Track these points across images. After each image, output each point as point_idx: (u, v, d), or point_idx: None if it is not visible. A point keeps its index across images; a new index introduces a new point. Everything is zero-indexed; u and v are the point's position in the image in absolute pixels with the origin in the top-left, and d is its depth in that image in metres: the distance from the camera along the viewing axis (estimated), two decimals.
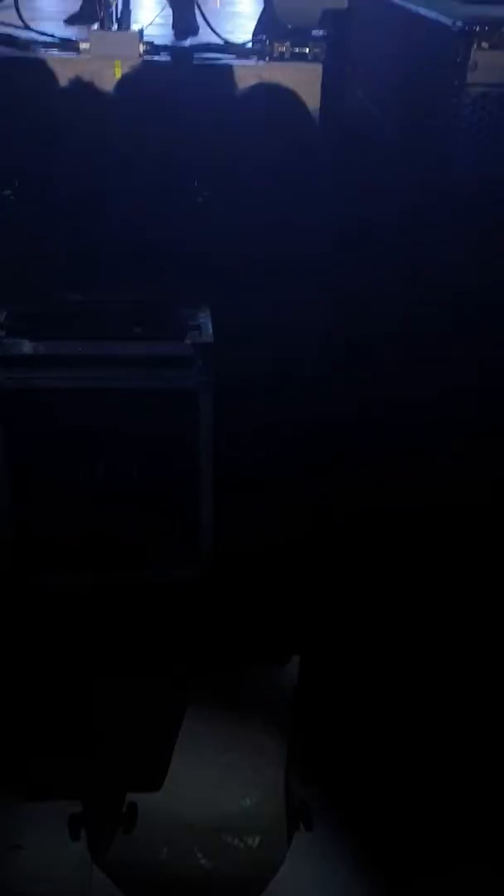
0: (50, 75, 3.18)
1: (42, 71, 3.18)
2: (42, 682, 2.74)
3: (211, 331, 2.84)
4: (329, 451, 3.06)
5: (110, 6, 3.56)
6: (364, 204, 3.02)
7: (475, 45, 2.86)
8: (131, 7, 3.89)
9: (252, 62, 3.37)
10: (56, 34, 3.52)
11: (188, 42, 3.82)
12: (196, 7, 3.89)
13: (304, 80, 3.17)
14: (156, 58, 3.37)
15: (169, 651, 2.80)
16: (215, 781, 2.60)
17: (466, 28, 2.91)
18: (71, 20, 4.17)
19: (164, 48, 3.46)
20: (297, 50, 3.29)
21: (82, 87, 3.16)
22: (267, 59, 3.35)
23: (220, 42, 3.59)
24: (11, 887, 2.35)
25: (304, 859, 2.41)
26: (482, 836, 2.43)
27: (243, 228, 3.09)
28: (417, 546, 2.96)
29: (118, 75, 3.18)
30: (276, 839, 2.47)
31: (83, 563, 3.02)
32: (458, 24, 2.95)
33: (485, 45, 2.86)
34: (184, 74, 3.28)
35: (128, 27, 3.73)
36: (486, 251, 2.81)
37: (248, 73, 3.23)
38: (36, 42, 3.43)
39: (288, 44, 3.30)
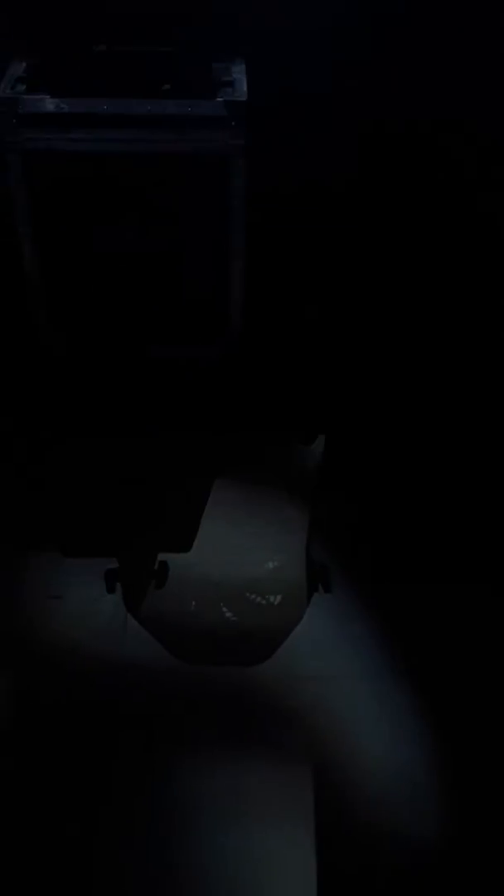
0: None
1: None
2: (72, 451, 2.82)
3: (245, 88, 2.61)
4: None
5: None
6: None
7: None
8: None
9: None
10: None
11: None
12: None
13: None
14: None
15: (197, 427, 2.86)
16: (242, 546, 2.75)
17: None
18: None
19: None
20: None
21: None
22: None
23: None
24: (53, 631, 2.58)
25: (321, 617, 2.59)
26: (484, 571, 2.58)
27: None
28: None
29: None
30: (297, 599, 2.65)
31: (111, 337, 3.00)
32: None
33: None
34: None
35: None
36: None
37: None
38: None
39: None
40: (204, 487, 2.76)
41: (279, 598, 2.67)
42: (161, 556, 2.70)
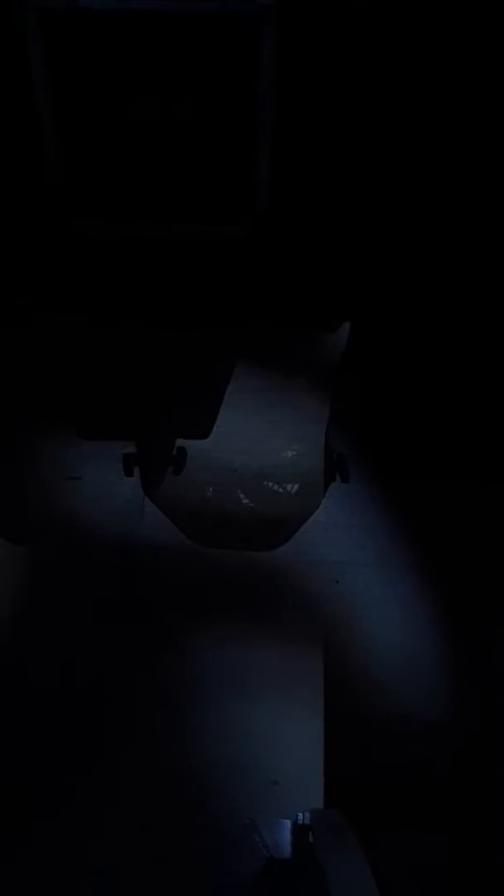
0: None
1: None
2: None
3: None
4: None
5: None
6: None
7: None
8: None
9: None
10: None
11: None
12: None
13: None
14: None
15: (221, 309, 2.79)
16: (260, 434, 2.75)
17: None
18: None
19: None
20: None
21: None
22: None
23: None
24: (72, 510, 2.62)
25: (337, 506, 2.61)
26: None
27: None
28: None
29: None
30: (313, 488, 2.66)
31: (132, 213, 2.89)
32: None
33: None
34: None
35: None
36: None
37: None
38: None
39: None
40: (225, 376, 2.73)
41: (296, 486, 2.69)
42: (179, 442, 2.70)
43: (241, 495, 2.67)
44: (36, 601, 2.44)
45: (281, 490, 2.69)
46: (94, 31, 2.53)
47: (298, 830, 1.85)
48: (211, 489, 2.68)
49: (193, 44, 2.54)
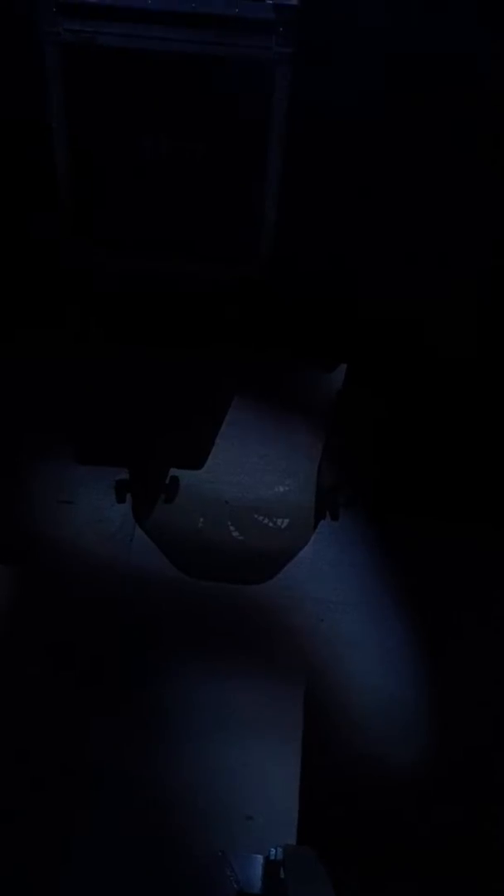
0: None
1: None
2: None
3: None
4: None
5: None
6: None
7: None
8: None
9: None
10: None
11: None
12: None
13: None
14: None
15: (219, 344, 2.82)
16: (253, 467, 2.77)
17: None
18: None
19: None
20: None
21: None
22: None
23: None
24: (63, 534, 2.63)
25: (326, 543, 2.63)
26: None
27: None
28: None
29: None
30: (303, 524, 2.68)
31: (135, 246, 2.94)
32: None
33: None
34: None
35: None
36: None
37: None
38: None
39: None
40: (221, 407, 2.75)
41: (286, 521, 2.70)
42: (172, 471, 2.72)
43: (232, 527, 2.69)
44: (20, 623, 2.44)
45: (271, 524, 2.71)
46: (112, 68, 2.61)
47: (270, 866, 1.84)
48: (202, 520, 2.69)
49: (208, 85, 2.62)
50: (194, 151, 2.77)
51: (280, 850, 1.83)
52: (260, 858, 1.88)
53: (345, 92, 2.62)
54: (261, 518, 2.71)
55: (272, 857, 1.83)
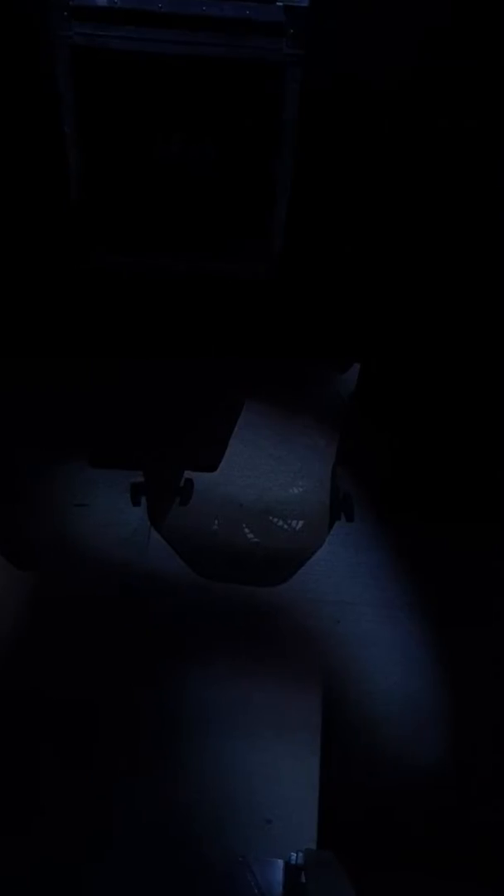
0: None
1: None
2: None
3: None
4: None
5: None
6: None
7: None
8: None
9: None
10: None
11: None
12: None
13: None
14: None
15: (232, 349, 2.82)
16: (267, 469, 2.76)
17: None
18: None
19: None
20: None
21: None
22: None
23: None
24: (79, 537, 2.63)
25: (341, 545, 2.62)
26: None
27: None
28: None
29: None
30: (318, 526, 2.67)
31: (147, 247, 2.94)
32: None
33: None
34: None
35: None
36: None
37: None
38: None
39: None
40: (234, 409, 2.75)
41: (301, 523, 2.70)
42: (187, 474, 2.72)
43: (247, 530, 2.69)
44: (36, 626, 2.44)
45: (286, 526, 2.70)
46: (124, 71, 2.61)
47: (291, 870, 1.83)
48: (217, 522, 2.69)
49: (219, 87, 2.62)
50: (205, 152, 2.78)
51: (300, 854, 1.83)
52: (280, 863, 1.88)
53: (353, 90, 2.61)
54: (275, 520, 2.71)
55: (293, 862, 1.82)
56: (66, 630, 2.42)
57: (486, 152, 2.53)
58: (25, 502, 2.72)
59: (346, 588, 2.55)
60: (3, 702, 2.26)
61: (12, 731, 2.21)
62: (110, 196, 2.87)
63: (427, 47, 2.42)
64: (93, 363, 2.69)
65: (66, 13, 2.48)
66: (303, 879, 1.75)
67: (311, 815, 2.05)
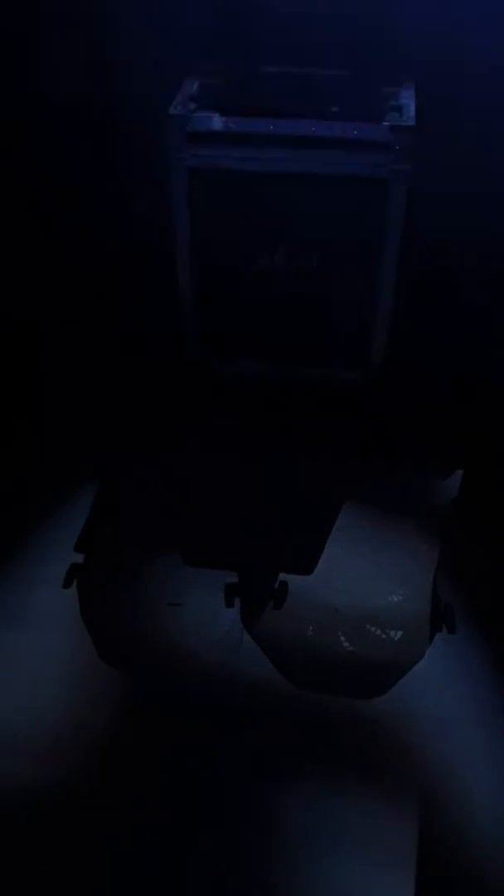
0: None
1: None
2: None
3: (414, 113, 2.60)
4: None
5: None
6: None
7: None
8: None
9: None
10: None
11: None
12: None
13: None
14: None
15: (332, 449, 2.83)
16: (365, 575, 2.69)
17: None
18: None
19: None
20: None
21: None
22: None
23: None
24: (170, 637, 2.59)
25: (443, 658, 2.49)
26: None
27: None
28: None
29: None
30: (418, 636, 2.56)
31: (258, 354, 3.03)
32: None
33: None
34: None
35: None
36: None
37: None
38: None
39: None
40: (333, 512, 2.72)
41: (400, 633, 2.59)
42: (282, 576, 2.67)
43: (342, 637, 2.60)
44: (127, 728, 2.38)
45: (384, 636, 2.60)
46: (235, 190, 2.76)
47: None
48: (311, 628, 2.61)
49: (325, 201, 2.74)
50: (309, 263, 2.88)
51: None
52: None
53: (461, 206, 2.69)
54: (373, 629, 2.61)
55: None
56: (155, 733, 2.36)
57: None
58: (117, 600, 2.71)
59: (447, 703, 2.42)
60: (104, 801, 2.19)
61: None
62: (219, 304, 2.99)
63: None
64: (193, 456, 2.73)
65: (184, 137, 2.68)
66: None
67: None
